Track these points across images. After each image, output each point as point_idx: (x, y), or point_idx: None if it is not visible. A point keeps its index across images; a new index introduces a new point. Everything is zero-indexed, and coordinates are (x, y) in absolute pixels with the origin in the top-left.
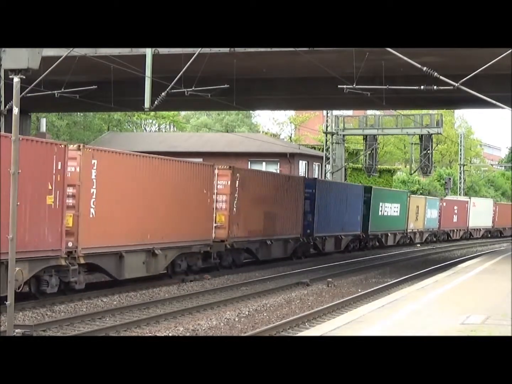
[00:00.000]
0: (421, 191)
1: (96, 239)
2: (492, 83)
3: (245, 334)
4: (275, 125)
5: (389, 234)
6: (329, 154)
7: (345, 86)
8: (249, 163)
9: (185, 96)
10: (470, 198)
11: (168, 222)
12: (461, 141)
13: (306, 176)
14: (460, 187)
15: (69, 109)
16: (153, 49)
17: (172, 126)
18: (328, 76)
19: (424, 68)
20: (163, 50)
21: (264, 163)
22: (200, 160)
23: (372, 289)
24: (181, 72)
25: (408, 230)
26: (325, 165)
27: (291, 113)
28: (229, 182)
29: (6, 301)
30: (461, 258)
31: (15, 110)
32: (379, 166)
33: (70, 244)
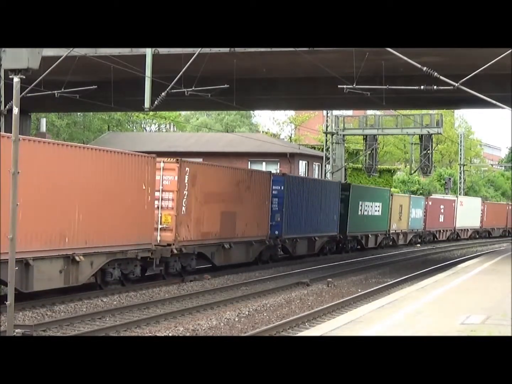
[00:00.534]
0: (421, 191)
1: None
2: (492, 83)
3: (245, 334)
4: (275, 125)
5: (370, 235)
6: (329, 154)
7: (345, 86)
8: (249, 163)
9: (185, 96)
10: (457, 196)
11: (94, 222)
12: (461, 141)
13: (306, 176)
14: (460, 187)
15: (69, 109)
16: (153, 49)
17: (172, 126)
18: (328, 76)
19: (424, 68)
20: (163, 50)
21: (264, 163)
22: (200, 160)
23: (372, 289)
24: (181, 72)
25: (391, 231)
26: (325, 165)
27: (291, 113)
28: (176, 178)
29: (6, 301)
30: (461, 258)
31: (15, 110)
32: (379, 166)
33: None
